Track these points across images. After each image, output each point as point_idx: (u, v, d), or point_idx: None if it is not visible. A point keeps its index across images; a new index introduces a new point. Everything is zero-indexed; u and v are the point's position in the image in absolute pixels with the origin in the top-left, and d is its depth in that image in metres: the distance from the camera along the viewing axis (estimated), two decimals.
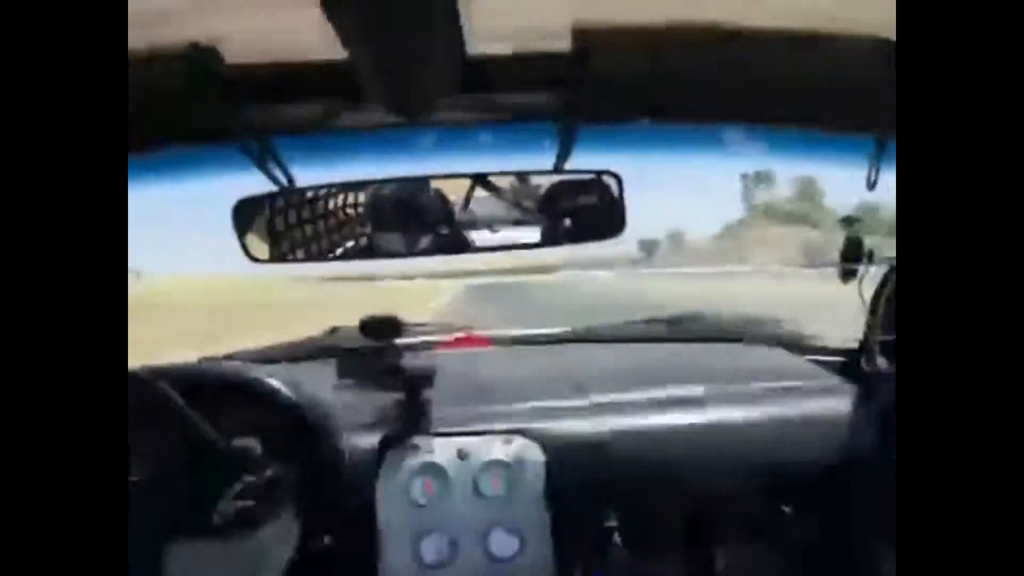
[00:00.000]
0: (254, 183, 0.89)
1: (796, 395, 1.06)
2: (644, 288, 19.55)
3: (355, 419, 1.02)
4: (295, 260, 0.95)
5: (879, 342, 1.04)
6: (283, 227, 0.92)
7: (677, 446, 1.00)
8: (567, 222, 0.93)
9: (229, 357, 1.34)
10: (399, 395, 1.00)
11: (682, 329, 1.47)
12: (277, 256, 0.93)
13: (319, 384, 1.00)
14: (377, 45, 0.49)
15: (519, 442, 0.97)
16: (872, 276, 1.02)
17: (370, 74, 0.58)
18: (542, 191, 0.92)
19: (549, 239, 0.93)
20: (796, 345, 1.30)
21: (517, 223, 0.92)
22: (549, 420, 1.01)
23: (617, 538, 1.00)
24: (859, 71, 0.72)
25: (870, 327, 1.05)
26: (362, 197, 0.92)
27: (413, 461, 0.96)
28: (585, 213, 0.91)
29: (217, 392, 0.88)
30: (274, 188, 0.89)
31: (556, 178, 0.91)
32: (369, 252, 0.93)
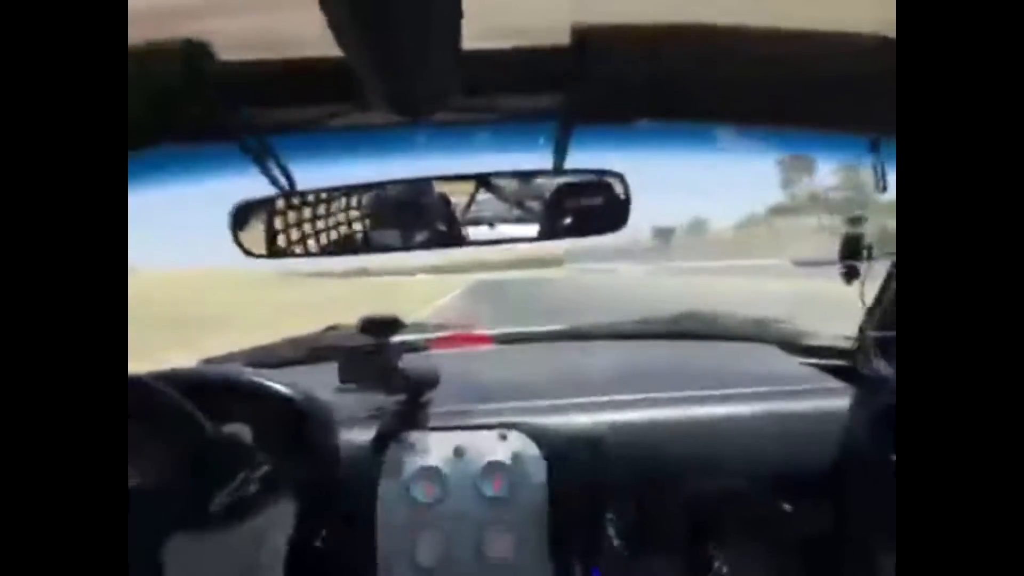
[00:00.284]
0: (253, 182, 0.89)
1: (796, 394, 1.06)
2: (665, 284, 18.32)
3: (354, 417, 1.02)
4: (292, 255, 0.95)
5: (880, 341, 1.04)
6: (282, 226, 0.92)
7: (675, 444, 1.00)
8: (568, 219, 0.93)
9: (229, 358, 1.34)
10: (398, 394, 1.00)
11: (681, 328, 1.48)
12: (274, 252, 0.93)
13: (317, 383, 1.00)
14: (376, 43, 0.49)
15: (516, 439, 0.97)
16: (874, 274, 1.02)
17: (368, 72, 0.58)
18: (544, 191, 0.92)
19: (547, 233, 0.93)
20: (795, 344, 1.30)
21: (518, 222, 0.92)
22: (547, 417, 1.01)
23: (615, 537, 1.00)
24: (859, 70, 0.72)
25: (870, 326, 1.05)
26: (364, 198, 0.92)
27: (410, 459, 0.96)
28: (587, 212, 0.91)
29: (216, 392, 0.88)
30: (273, 188, 0.89)
31: (559, 179, 0.91)
32: (367, 246, 0.94)
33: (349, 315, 1.08)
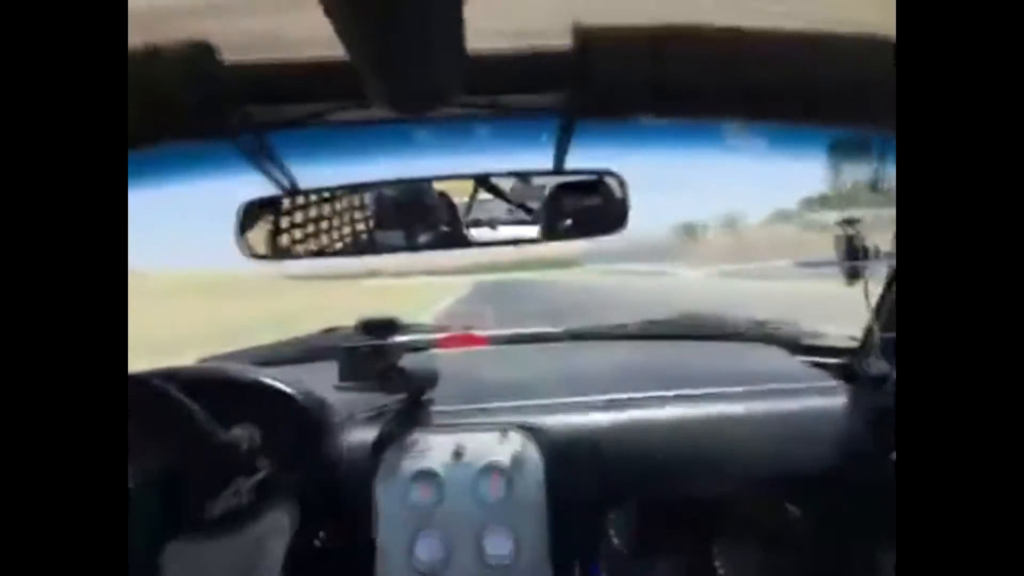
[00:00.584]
0: (254, 182, 0.89)
1: (797, 394, 1.06)
2: (753, 291, 14.76)
3: (354, 417, 1.02)
4: (296, 256, 0.95)
5: (880, 341, 1.04)
6: (287, 226, 0.92)
7: (675, 444, 1.00)
8: (568, 221, 0.93)
9: (228, 357, 1.34)
10: (397, 393, 1.00)
11: (681, 329, 1.48)
12: (278, 253, 0.93)
13: (317, 383, 1.01)
14: (379, 43, 0.49)
15: (516, 439, 0.97)
16: (877, 275, 1.02)
17: (371, 72, 0.58)
18: (545, 190, 0.92)
19: (549, 235, 0.94)
20: (797, 344, 1.30)
21: (520, 222, 0.92)
22: (547, 416, 1.01)
23: (615, 537, 1.00)
24: (859, 70, 0.72)
25: (873, 326, 1.05)
26: (367, 199, 0.92)
27: (410, 459, 0.96)
28: (587, 214, 0.91)
29: (216, 392, 0.88)
30: (275, 188, 0.89)
31: (559, 178, 0.92)
32: (372, 248, 0.94)
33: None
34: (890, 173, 0.86)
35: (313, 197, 0.93)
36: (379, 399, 1.03)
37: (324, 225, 0.94)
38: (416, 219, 0.92)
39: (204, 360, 1.32)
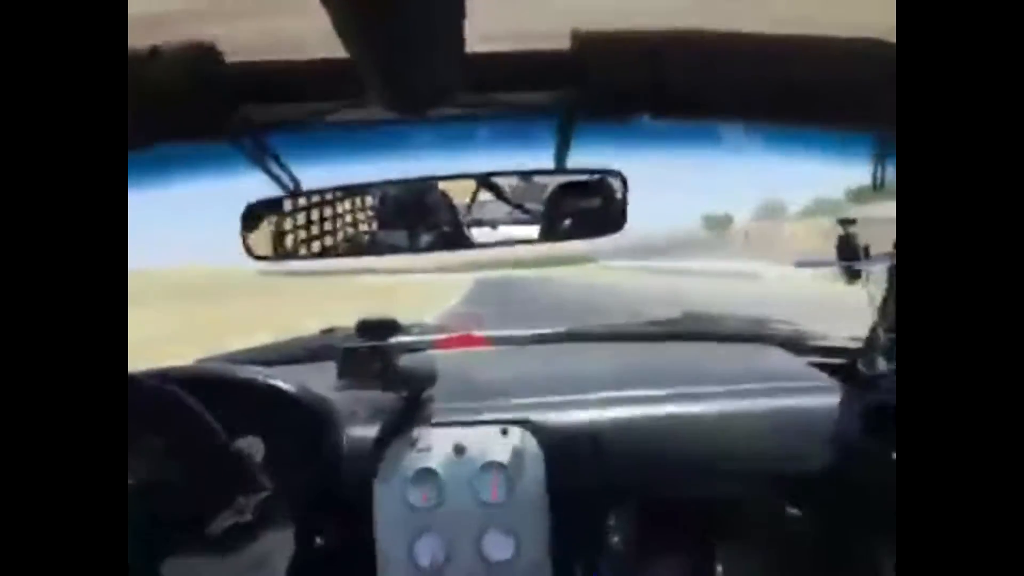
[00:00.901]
0: (254, 182, 0.89)
1: (797, 393, 1.06)
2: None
3: (353, 416, 1.02)
4: (298, 257, 0.95)
5: (882, 341, 1.04)
6: (289, 226, 0.92)
7: (676, 443, 1.00)
8: (568, 221, 0.93)
9: (228, 357, 1.34)
10: (395, 391, 1.00)
11: (682, 329, 1.47)
12: (281, 253, 0.93)
13: (317, 383, 1.01)
14: (379, 44, 0.49)
15: (516, 436, 0.97)
16: (876, 275, 1.02)
17: (371, 73, 0.58)
18: (546, 190, 0.92)
19: (549, 235, 0.94)
20: (798, 344, 1.30)
21: (520, 222, 0.92)
22: (547, 414, 1.01)
23: (616, 536, 1.00)
24: (858, 72, 0.72)
25: (876, 326, 1.05)
26: (369, 199, 0.93)
27: (410, 458, 0.96)
28: (587, 214, 0.91)
29: (215, 392, 0.88)
30: (277, 189, 0.90)
31: (560, 178, 0.92)
32: (374, 248, 0.94)
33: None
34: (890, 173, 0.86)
35: (314, 198, 0.93)
36: (378, 399, 1.03)
37: (326, 226, 0.94)
38: (417, 219, 0.92)
39: (203, 360, 1.32)
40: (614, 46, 0.70)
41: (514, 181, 0.93)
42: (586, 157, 0.90)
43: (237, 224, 0.91)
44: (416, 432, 0.98)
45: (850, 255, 1.02)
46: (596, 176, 0.90)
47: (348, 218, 0.94)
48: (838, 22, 0.68)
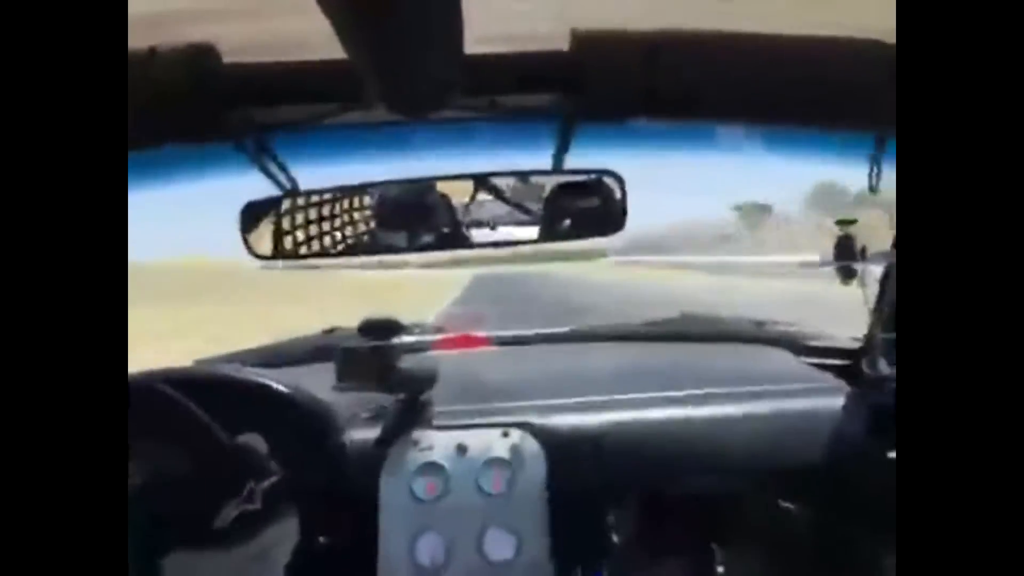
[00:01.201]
0: (253, 183, 0.89)
1: (798, 394, 1.06)
2: None
3: (354, 417, 1.02)
4: (298, 256, 0.95)
5: (881, 341, 1.04)
6: (289, 226, 0.92)
7: (677, 444, 1.00)
8: (567, 221, 0.93)
9: (229, 358, 1.34)
10: (396, 392, 1.00)
11: (683, 330, 1.48)
12: (281, 253, 0.93)
13: (318, 384, 1.01)
14: (378, 45, 0.49)
15: (518, 438, 0.97)
16: (872, 275, 1.02)
17: (370, 74, 0.58)
18: (544, 191, 0.92)
19: (548, 235, 0.94)
20: (799, 345, 1.30)
21: (519, 223, 0.92)
22: (549, 416, 1.01)
23: (617, 536, 1.00)
24: (857, 73, 0.72)
25: (873, 327, 1.05)
26: (368, 199, 0.93)
27: (412, 460, 0.96)
28: (586, 214, 0.91)
29: (216, 393, 0.88)
30: (277, 190, 0.90)
31: (558, 178, 0.92)
32: (373, 248, 0.94)
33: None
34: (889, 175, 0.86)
35: (313, 198, 0.93)
36: (379, 399, 1.03)
37: (325, 226, 0.94)
38: (416, 219, 0.92)
39: (203, 361, 1.32)
40: (614, 46, 0.70)
41: (512, 181, 0.93)
42: (586, 158, 0.90)
43: (234, 223, 0.91)
44: (417, 434, 0.98)
45: (848, 255, 1.02)
46: (593, 176, 0.90)
47: (347, 218, 0.94)
48: (839, 23, 0.68)
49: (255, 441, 0.85)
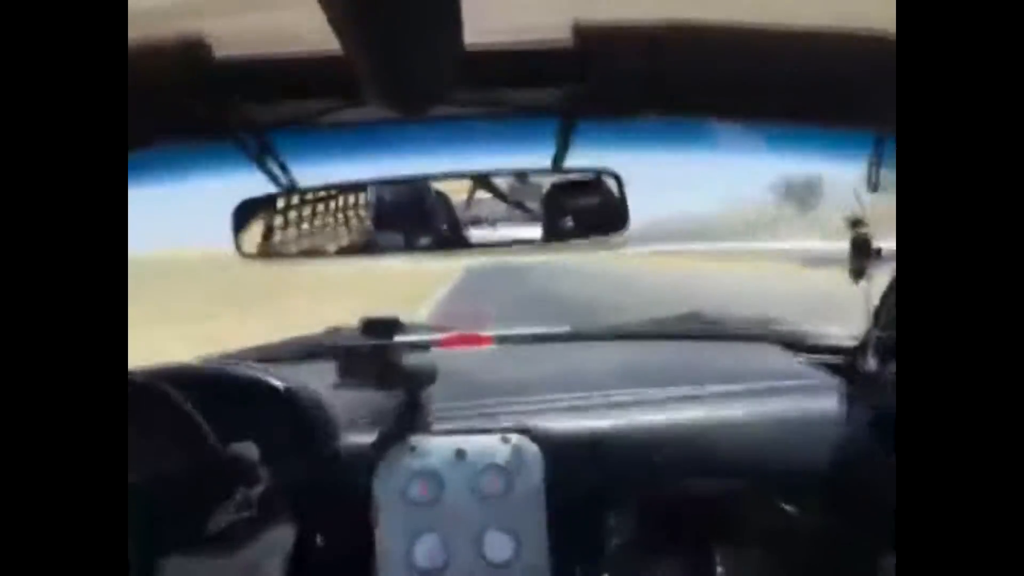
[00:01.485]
0: (251, 180, 0.89)
1: (798, 394, 1.06)
2: None
3: (354, 418, 1.02)
4: (292, 256, 0.95)
5: (881, 341, 1.04)
6: (282, 225, 0.92)
7: (676, 445, 1.00)
8: (568, 220, 0.93)
9: (229, 356, 1.34)
10: (395, 390, 1.00)
11: (684, 329, 1.47)
12: (274, 253, 0.93)
13: (317, 383, 1.00)
14: (376, 40, 0.49)
15: (517, 440, 0.97)
16: (881, 275, 1.01)
17: (368, 69, 0.58)
18: (543, 190, 0.92)
19: (548, 235, 0.93)
20: (799, 344, 1.30)
21: (519, 222, 0.92)
22: (548, 417, 1.01)
23: (616, 538, 0.99)
24: (860, 68, 0.72)
25: (873, 326, 1.05)
26: (365, 198, 0.92)
27: (410, 461, 0.96)
28: (587, 212, 0.91)
29: (216, 392, 0.88)
30: (272, 186, 0.89)
31: (558, 177, 0.91)
32: (370, 249, 0.94)
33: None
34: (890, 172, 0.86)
35: (309, 195, 0.93)
36: (379, 398, 1.03)
37: (320, 224, 0.94)
38: (414, 219, 0.92)
39: (204, 359, 1.32)
40: (615, 38, 0.69)
41: (511, 180, 0.92)
42: (588, 155, 0.90)
43: (228, 219, 0.91)
44: (415, 440, 0.97)
45: (859, 254, 1.01)
46: (592, 175, 0.90)
47: (342, 217, 0.94)
48: (844, 13, 0.67)
49: (253, 444, 0.85)
